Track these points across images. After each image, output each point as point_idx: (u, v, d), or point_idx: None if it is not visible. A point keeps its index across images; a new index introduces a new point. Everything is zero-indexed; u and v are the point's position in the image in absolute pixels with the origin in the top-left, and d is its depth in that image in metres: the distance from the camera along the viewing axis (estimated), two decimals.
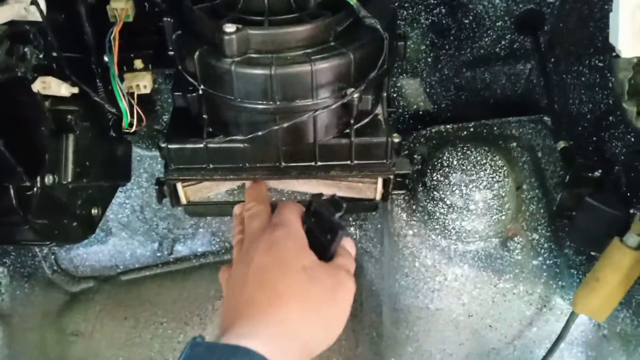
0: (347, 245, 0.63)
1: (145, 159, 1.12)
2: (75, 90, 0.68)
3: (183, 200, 0.79)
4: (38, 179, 0.66)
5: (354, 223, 1.22)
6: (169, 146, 0.72)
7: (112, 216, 1.20)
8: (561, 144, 0.75)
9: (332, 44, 0.65)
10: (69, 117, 0.69)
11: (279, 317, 0.51)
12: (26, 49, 0.59)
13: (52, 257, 1.19)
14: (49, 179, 0.67)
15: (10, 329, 1.03)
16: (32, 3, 0.58)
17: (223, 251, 1.26)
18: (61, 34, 0.66)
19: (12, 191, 0.65)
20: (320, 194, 0.73)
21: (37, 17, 0.59)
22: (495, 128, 0.85)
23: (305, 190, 0.78)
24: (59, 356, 1.22)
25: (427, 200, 0.77)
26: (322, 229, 0.61)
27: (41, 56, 0.62)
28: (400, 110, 0.98)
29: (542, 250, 0.75)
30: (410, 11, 0.87)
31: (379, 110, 0.74)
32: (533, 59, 0.87)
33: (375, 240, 1.19)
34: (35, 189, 0.66)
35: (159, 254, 1.27)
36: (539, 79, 0.88)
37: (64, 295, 1.23)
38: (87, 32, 0.70)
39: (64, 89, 0.67)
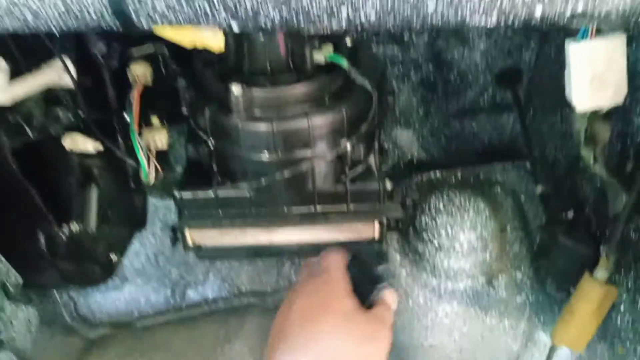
0: (388, 297, 0.63)
1: (159, 208, 1.19)
2: (100, 146, 0.76)
3: (190, 245, 0.86)
4: (65, 225, 0.73)
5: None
6: (182, 195, 0.79)
7: (127, 263, 1.26)
8: (539, 188, 0.81)
9: (326, 101, 0.74)
10: (94, 170, 0.77)
11: (316, 353, 0.54)
12: (59, 111, 0.68)
13: (72, 303, 1.25)
14: (74, 226, 0.75)
15: None
16: (64, 71, 0.68)
17: (232, 297, 1.30)
18: (88, 96, 0.75)
19: (42, 237, 0.72)
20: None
21: (69, 83, 0.68)
22: (481, 174, 0.92)
23: (309, 239, 0.84)
24: None
25: (418, 242, 0.83)
26: (365, 278, 0.64)
27: (71, 116, 0.70)
28: (395, 159, 1.06)
29: (525, 288, 0.80)
30: (401, 68, 0.96)
31: (371, 159, 0.82)
32: (515, 110, 0.95)
33: None
34: (62, 235, 0.73)
35: (171, 300, 1.31)
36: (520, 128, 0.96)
37: (82, 341, 1.28)
38: (110, 94, 0.79)
39: (89, 146, 0.75)
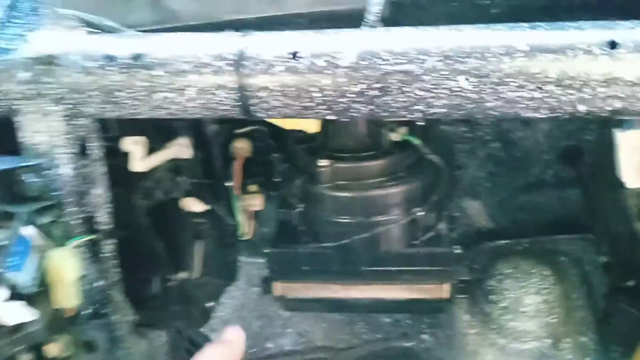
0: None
1: (245, 265, 1.30)
2: (207, 207, 0.90)
3: (277, 295, 0.96)
4: (177, 274, 0.87)
5: (427, 330, 1.33)
6: (273, 251, 0.91)
7: (216, 314, 1.37)
8: (602, 259, 0.86)
9: (401, 174, 0.84)
10: (201, 227, 0.90)
11: None
12: (179, 178, 0.83)
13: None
14: (183, 275, 0.88)
15: None
16: (186, 146, 0.83)
17: (307, 350, 1.38)
18: (201, 166, 0.89)
19: (157, 282, 0.85)
20: None
21: (189, 155, 0.83)
22: (546, 244, 0.98)
23: (384, 296, 0.93)
24: None
25: (485, 303, 0.90)
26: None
27: (189, 183, 0.85)
28: (464, 228, 1.13)
29: (590, 352, 0.84)
30: (469, 145, 1.05)
31: (441, 226, 0.91)
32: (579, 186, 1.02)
33: (448, 347, 1.29)
34: (174, 282, 0.86)
35: (252, 350, 1.40)
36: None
37: None
38: (217, 165, 0.93)
39: (199, 207, 0.89)
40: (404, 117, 0.58)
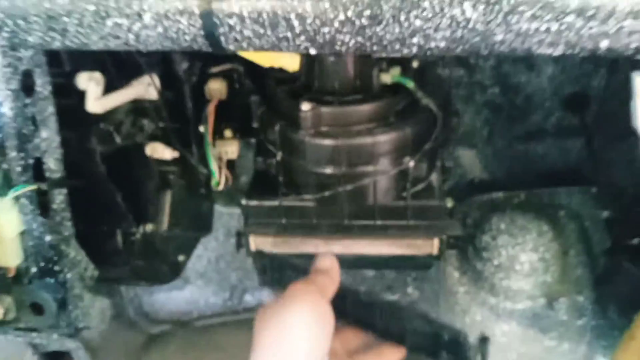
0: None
1: (222, 215, 1.24)
2: (176, 154, 0.81)
3: (253, 250, 0.90)
4: (141, 226, 0.79)
5: (412, 283, 1.28)
6: (249, 203, 0.84)
7: (190, 265, 1.31)
8: (605, 214, 0.80)
9: (391, 120, 0.76)
10: (170, 176, 0.82)
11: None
12: (144, 121, 0.74)
13: (137, 300, 1.31)
14: (149, 227, 0.80)
15: None
16: (151, 85, 0.74)
17: None
18: (169, 108, 0.80)
19: (119, 236, 0.78)
20: None
21: (154, 96, 0.74)
22: (544, 197, 0.92)
23: (368, 252, 0.87)
24: None
25: (477, 260, 0.84)
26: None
27: (154, 126, 0.76)
28: (456, 179, 1.07)
29: (587, 312, 0.80)
30: (466, 91, 0.97)
31: (433, 177, 0.84)
32: (582, 135, 0.94)
33: (433, 302, 1.25)
34: (138, 235, 0.79)
35: (229, 303, 1.36)
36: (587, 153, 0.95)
37: (143, 336, 1.35)
38: (188, 107, 0.84)
39: (167, 154, 0.81)
40: (398, 52, 0.49)
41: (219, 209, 1.23)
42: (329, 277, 0.70)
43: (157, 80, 0.73)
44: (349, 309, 0.77)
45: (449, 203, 0.81)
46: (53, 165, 0.61)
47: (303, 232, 0.84)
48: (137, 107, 0.72)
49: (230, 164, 0.90)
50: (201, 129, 0.84)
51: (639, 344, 0.66)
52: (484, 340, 0.92)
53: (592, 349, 0.78)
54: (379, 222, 0.83)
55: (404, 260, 0.88)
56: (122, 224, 0.76)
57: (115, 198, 0.71)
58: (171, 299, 1.35)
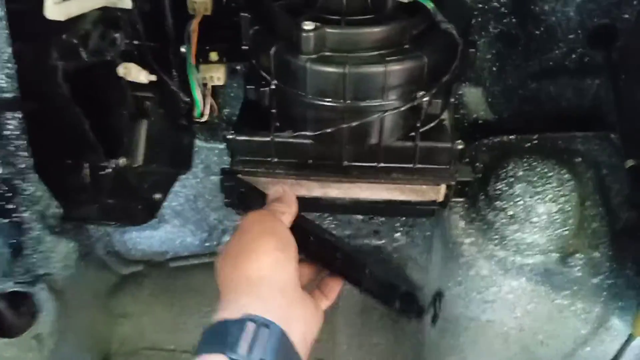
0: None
1: (202, 150, 1.14)
2: (154, 77, 0.70)
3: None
4: (112, 160, 0.69)
5: (401, 229, 1.22)
6: (237, 137, 0.74)
7: (166, 203, 1.22)
8: (629, 162, 0.73)
9: (406, 46, 0.66)
10: (146, 103, 0.71)
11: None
12: (116, 35, 0.62)
13: (107, 238, 1.23)
14: (122, 161, 0.70)
15: (62, 304, 1.07)
16: None
17: None
18: (145, 23, 0.68)
19: (87, 170, 0.67)
20: None
21: (128, 5, 0.62)
22: (559, 142, 0.84)
23: (367, 197, 0.78)
24: (106, 335, 1.26)
25: (488, 210, 0.77)
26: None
27: (128, 42, 0.64)
28: (459, 117, 0.98)
29: (603, 269, 0.74)
30: (480, 19, 0.87)
31: (445, 115, 0.75)
32: (603, 74, 0.86)
33: (422, 248, 1.19)
34: (109, 170, 0.69)
35: (207, 244, 1.29)
36: (607, 94, 0.87)
37: (114, 276, 1.27)
38: (168, 22, 0.72)
39: (143, 76, 0.69)
40: None
41: (199, 143, 1.13)
42: (284, 203, 0.69)
43: None
44: (312, 248, 0.72)
45: (461, 145, 0.73)
46: (3, 82, 0.50)
47: (297, 173, 0.75)
48: (108, 17, 0.60)
49: (216, 92, 0.80)
50: (183, 49, 0.73)
51: None
52: (438, 295, 0.89)
53: (607, 309, 0.73)
54: (382, 165, 0.74)
55: (403, 207, 0.80)
56: (89, 157, 0.66)
57: (82, 125, 0.60)
58: (145, 238, 1.27)
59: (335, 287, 0.73)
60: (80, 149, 0.64)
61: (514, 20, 0.86)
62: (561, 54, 0.86)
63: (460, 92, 0.98)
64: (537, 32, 0.85)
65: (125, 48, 0.64)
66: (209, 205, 1.23)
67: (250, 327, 0.52)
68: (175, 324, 1.23)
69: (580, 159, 0.82)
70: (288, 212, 0.68)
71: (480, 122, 0.98)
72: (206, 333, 0.54)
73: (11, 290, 0.74)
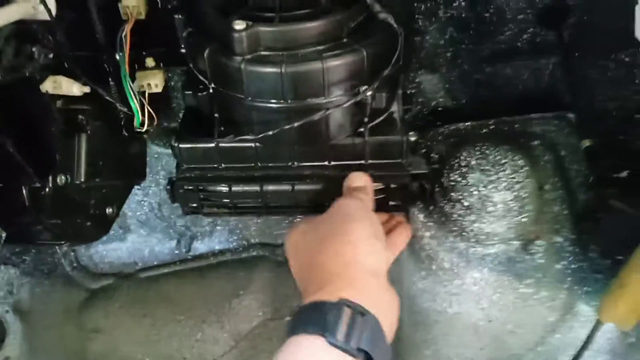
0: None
1: (162, 156, 1.12)
2: (87, 89, 0.67)
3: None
4: (50, 179, 0.66)
5: None
6: (180, 145, 0.71)
7: (130, 214, 1.20)
8: (585, 143, 0.71)
9: (344, 40, 0.64)
10: (80, 116, 0.68)
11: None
12: (34, 49, 0.59)
13: (72, 254, 1.20)
14: (61, 179, 0.67)
15: (30, 325, 1.04)
16: (40, 2, 0.58)
17: (240, 249, 1.25)
18: (71, 32, 0.65)
19: (25, 191, 0.64)
20: None
21: (46, 16, 0.58)
22: (516, 125, 0.82)
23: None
24: (78, 352, 1.22)
25: (445, 202, 0.75)
26: None
27: (50, 56, 0.61)
28: (418, 107, 0.96)
29: (566, 254, 0.72)
30: (429, 4, 0.84)
31: (394, 107, 0.72)
32: (557, 54, 0.84)
33: None
34: (47, 189, 0.65)
35: (177, 252, 1.26)
36: (562, 74, 0.85)
37: (83, 291, 1.24)
38: (98, 30, 0.69)
39: (75, 89, 0.66)
40: None
41: (157, 149, 1.10)
42: (369, 194, 0.68)
43: None
44: None
45: (413, 137, 0.70)
46: None
47: (245, 179, 0.72)
48: (22, 30, 0.57)
49: (160, 98, 0.77)
50: (117, 57, 0.70)
51: (630, 292, 0.59)
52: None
53: (572, 295, 0.71)
54: (333, 163, 0.72)
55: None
56: (21, 178, 0.62)
57: (4, 147, 0.57)
58: (112, 250, 1.24)
59: (404, 233, 0.73)
60: (9, 171, 0.60)
61: (463, 3, 0.84)
62: (513, 35, 0.84)
63: (417, 80, 0.95)
64: (486, 15, 0.83)
65: (47, 61, 0.61)
66: (175, 212, 1.20)
67: (348, 312, 0.50)
68: (148, 335, 1.20)
69: (538, 142, 0.80)
70: (371, 203, 0.67)
71: (439, 109, 0.96)
72: (303, 311, 0.52)
73: None
